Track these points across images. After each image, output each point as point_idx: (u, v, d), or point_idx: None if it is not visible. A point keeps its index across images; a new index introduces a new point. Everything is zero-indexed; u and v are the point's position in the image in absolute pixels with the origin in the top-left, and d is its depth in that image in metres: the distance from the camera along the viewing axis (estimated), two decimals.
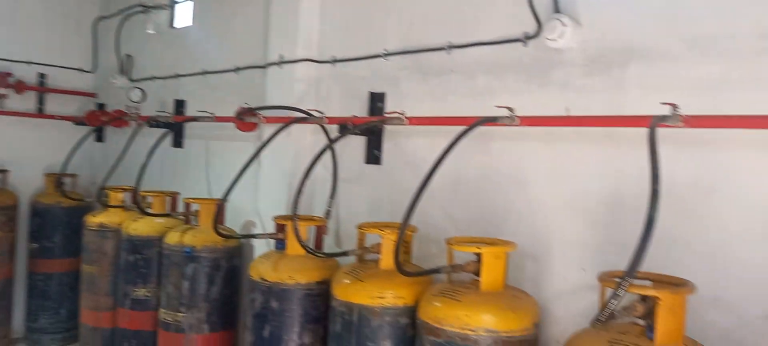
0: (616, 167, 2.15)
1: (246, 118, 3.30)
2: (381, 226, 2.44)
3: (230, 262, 3.48)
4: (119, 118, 4.64)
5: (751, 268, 1.82)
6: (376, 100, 2.96)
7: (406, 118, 2.59)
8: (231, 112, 3.59)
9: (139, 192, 3.75)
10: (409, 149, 2.88)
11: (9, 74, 5.13)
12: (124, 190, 4.29)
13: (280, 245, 2.87)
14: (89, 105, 5.65)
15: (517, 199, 2.41)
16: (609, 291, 1.70)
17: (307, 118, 3.03)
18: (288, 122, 2.93)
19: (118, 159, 4.08)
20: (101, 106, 5.52)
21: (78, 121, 5.44)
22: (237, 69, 3.92)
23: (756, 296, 1.80)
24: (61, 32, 5.52)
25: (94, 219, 4.12)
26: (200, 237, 3.39)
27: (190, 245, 3.34)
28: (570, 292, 2.18)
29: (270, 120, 3.29)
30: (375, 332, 2.20)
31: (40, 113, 5.41)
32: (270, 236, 2.91)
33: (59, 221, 5.12)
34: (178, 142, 4.48)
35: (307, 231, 2.84)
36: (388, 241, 2.38)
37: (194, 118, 3.68)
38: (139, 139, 5.03)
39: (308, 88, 3.34)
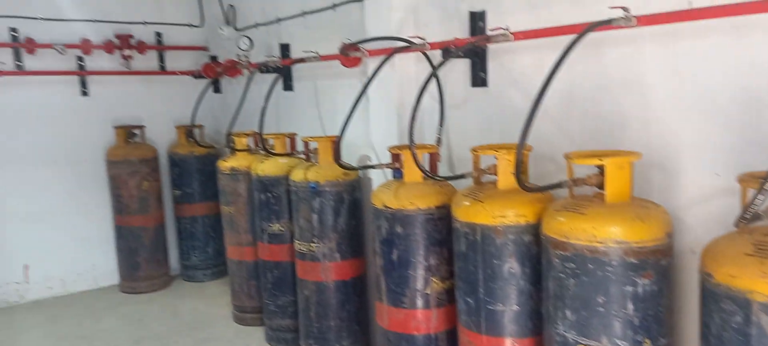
0: (748, 60, 1.99)
1: (350, 53, 3.39)
2: (495, 147, 2.48)
3: (352, 194, 3.71)
4: (232, 68, 4.94)
5: None
6: (477, 20, 2.92)
7: (511, 33, 2.54)
8: (334, 51, 3.71)
9: (262, 135, 4.03)
10: (515, 68, 2.84)
11: (130, 36, 5.59)
12: (247, 135, 4.62)
13: (398, 173, 3.01)
14: (203, 58, 6.04)
15: (637, 107, 2.32)
16: (751, 192, 1.65)
17: (409, 46, 3.06)
18: (390, 53, 2.98)
19: (239, 106, 4.38)
20: (213, 58, 5.88)
21: (196, 75, 5.86)
22: (334, 6, 3.99)
23: None
24: None
25: (226, 164, 4.52)
26: (322, 173, 3.63)
27: (314, 181, 3.59)
28: (703, 199, 2.11)
29: (373, 53, 3.36)
30: (500, 250, 2.30)
31: (163, 70, 5.88)
32: (387, 166, 3.05)
33: (194, 169, 5.67)
34: (288, 85, 4.71)
35: (421, 159, 2.94)
36: (503, 161, 2.43)
37: (301, 60, 3.84)
38: (252, 86, 5.37)
39: (406, 15, 3.34)
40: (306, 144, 3.88)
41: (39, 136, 5.32)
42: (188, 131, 5.74)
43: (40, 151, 5.34)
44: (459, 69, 3.11)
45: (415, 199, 2.79)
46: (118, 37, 5.55)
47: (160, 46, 5.82)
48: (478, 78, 2.96)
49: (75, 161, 5.50)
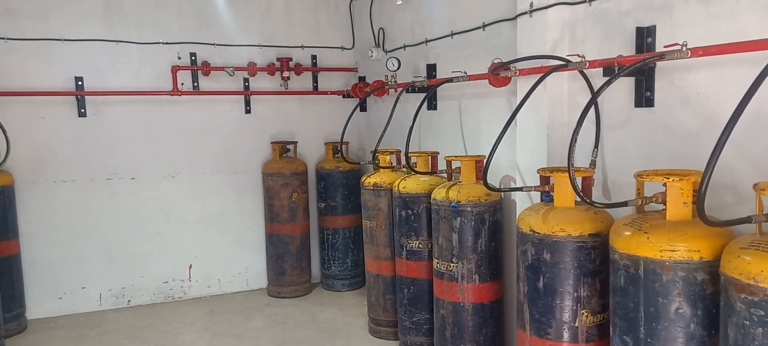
0: None
1: (501, 73, 3.32)
2: (665, 173, 2.25)
3: (493, 215, 3.61)
4: (380, 88, 5.09)
5: None
6: (645, 36, 2.70)
7: (688, 49, 2.30)
8: (480, 70, 3.67)
9: (408, 154, 4.10)
10: (687, 86, 2.56)
11: (290, 59, 6.03)
12: (390, 152, 4.73)
13: (547, 197, 2.87)
14: (352, 79, 6.34)
15: None
16: None
17: (566, 65, 2.91)
18: (548, 71, 2.85)
19: (386, 125, 4.50)
20: (362, 78, 6.13)
21: (345, 95, 6.15)
22: (483, 26, 3.95)
23: None
24: (324, 16, 6.25)
25: (369, 180, 4.66)
26: (464, 192, 3.57)
27: (455, 200, 3.55)
28: None
29: (524, 72, 3.25)
30: (666, 287, 2.07)
31: (316, 90, 6.25)
32: (536, 188, 2.92)
33: (339, 183, 5.93)
34: (432, 105, 4.75)
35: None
36: (674, 189, 2.19)
37: (448, 80, 3.85)
38: (397, 105, 5.50)
39: (562, 33, 3.20)
40: (448, 163, 3.86)
41: (209, 149, 5.92)
42: (335, 148, 6.03)
43: (210, 161, 5.94)
44: (619, 87, 2.89)
45: (566, 225, 2.63)
46: (279, 60, 6.01)
47: (315, 68, 6.20)
48: (643, 98, 2.73)
49: (237, 172, 6.03)
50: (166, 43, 5.65)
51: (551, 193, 2.83)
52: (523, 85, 3.36)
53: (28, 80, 5.21)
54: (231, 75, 5.78)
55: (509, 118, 2.88)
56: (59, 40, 5.27)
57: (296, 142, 6.05)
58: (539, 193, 2.95)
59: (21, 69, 5.19)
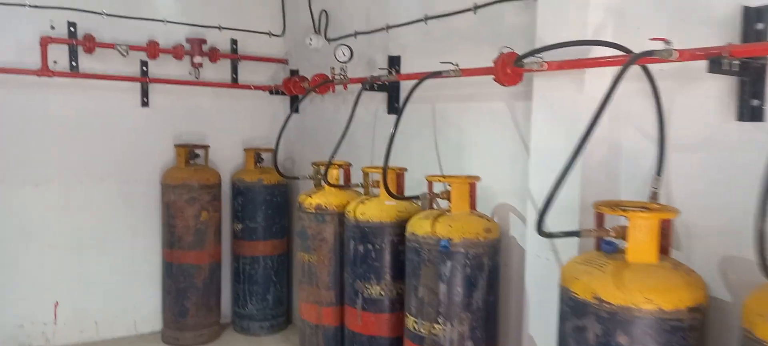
0: None
1: (524, 63, 2.39)
2: None
3: (493, 259, 2.68)
4: (323, 83, 4.02)
5: None
6: (755, 20, 1.88)
7: None
8: (467, 64, 2.76)
9: (375, 170, 3.08)
10: None
11: (203, 41, 4.79)
12: (340, 166, 3.67)
13: (608, 246, 1.96)
14: (280, 72, 5.20)
15: None
16: None
17: (649, 55, 1.98)
18: (628, 61, 1.92)
19: (345, 129, 3.43)
20: (294, 72, 5.01)
21: (273, 91, 5.01)
22: (475, 8, 3.03)
23: None
24: None
25: (311, 200, 3.56)
26: (457, 227, 2.61)
27: (446, 238, 2.57)
28: None
29: (555, 66, 2.35)
30: None
31: (235, 83, 5.04)
32: (598, 233, 2.00)
33: (261, 200, 4.76)
34: (393, 107, 3.75)
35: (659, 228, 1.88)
36: None
37: (434, 75, 2.86)
38: (328, 106, 4.45)
39: (606, 17, 2.34)
40: (429, 185, 2.88)
41: (90, 149, 4.52)
42: (258, 156, 4.87)
43: (91, 165, 4.54)
44: (700, 93, 2.07)
45: (653, 293, 1.73)
46: (189, 41, 4.75)
47: (235, 55, 5.00)
48: (747, 108, 1.91)
49: (127, 180, 4.67)
50: (34, 7, 4.22)
51: (616, 241, 1.93)
52: (545, 84, 2.47)
53: None
54: (124, 55, 4.44)
55: (587, 128, 1.91)
56: None
57: (208, 146, 4.81)
58: (595, 239, 2.04)
59: None
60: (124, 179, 4.66)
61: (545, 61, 2.33)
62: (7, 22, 4.14)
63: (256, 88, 5.06)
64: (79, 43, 4.34)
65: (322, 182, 3.63)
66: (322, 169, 3.66)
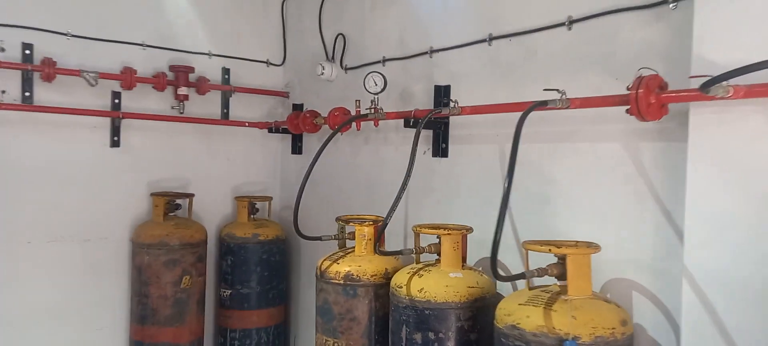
0: None
1: (709, 90, 1.66)
2: None
3: None
4: (356, 119, 3.18)
5: None
6: None
7: None
8: (552, 94, 2.07)
9: (431, 231, 2.30)
10: None
11: (190, 69, 3.97)
12: (374, 221, 2.86)
13: None
14: (278, 107, 4.42)
15: None
16: None
17: None
18: None
19: (407, 176, 2.55)
20: (297, 106, 4.23)
21: (273, 129, 4.21)
22: (571, 22, 2.35)
23: None
24: (243, 18, 4.32)
25: (338, 267, 2.73)
26: (584, 318, 1.84)
27: (572, 336, 1.79)
28: None
29: (739, 94, 1.64)
30: None
31: (226, 119, 4.21)
32: None
33: (257, 260, 3.90)
34: (440, 149, 3.00)
35: None
36: None
37: (539, 105, 2.08)
38: (352, 148, 3.69)
39: None
40: (525, 254, 2.11)
41: (45, 201, 3.57)
42: (252, 206, 4.02)
43: (45, 221, 3.57)
44: None
45: None
46: (173, 69, 3.93)
47: (227, 86, 4.19)
48: None
49: (90, 239, 3.72)
50: None
51: None
52: (711, 118, 1.77)
53: None
54: (92, 84, 3.57)
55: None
56: None
57: (192, 195, 3.94)
58: None
59: None
60: (87, 237, 3.71)
61: (732, 86, 1.63)
62: None
63: (251, 125, 4.25)
64: (35, 68, 3.45)
65: (362, 247, 2.81)
66: (351, 226, 2.85)
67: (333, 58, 3.81)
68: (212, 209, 4.12)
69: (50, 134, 3.60)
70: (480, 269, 2.50)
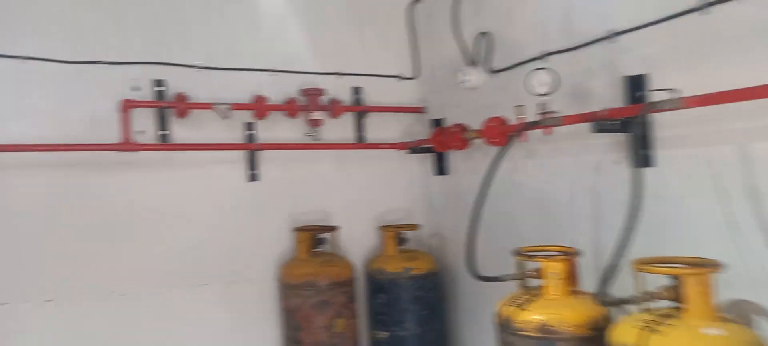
0: None
1: None
2: None
3: None
4: (529, 127, 2.68)
5: None
6: None
7: None
8: None
9: (662, 270, 1.71)
10: None
11: (321, 92, 3.67)
12: (562, 253, 2.29)
13: None
14: (415, 124, 4.00)
15: None
16: None
17: None
18: None
19: (636, 204, 2.01)
20: (436, 121, 3.78)
21: (416, 148, 3.79)
22: None
23: None
24: (369, 30, 3.97)
25: (528, 315, 2.20)
26: None
27: None
28: None
29: None
30: None
31: (361, 143, 3.87)
32: None
33: (410, 297, 3.49)
34: (641, 157, 2.38)
35: None
36: None
37: None
38: (512, 164, 3.13)
39: None
40: None
41: (184, 244, 3.40)
42: (399, 236, 3.61)
43: (185, 266, 3.41)
44: None
45: None
46: (305, 93, 3.65)
47: (360, 107, 3.85)
48: None
49: (234, 281, 3.51)
50: (113, 64, 3.26)
51: None
52: None
53: None
54: (224, 117, 3.38)
55: None
56: None
57: (336, 228, 3.61)
58: None
59: None
60: (230, 279, 3.51)
61: None
62: (80, 85, 3.18)
63: (390, 146, 3.86)
64: (170, 105, 3.32)
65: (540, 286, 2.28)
66: (535, 261, 2.31)
67: (476, 61, 3.32)
68: (355, 241, 3.77)
69: (186, 172, 3.44)
70: (740, 318, 1.86)
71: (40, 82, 3.09)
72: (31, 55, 3.07)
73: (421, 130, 3.92)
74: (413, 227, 3.70)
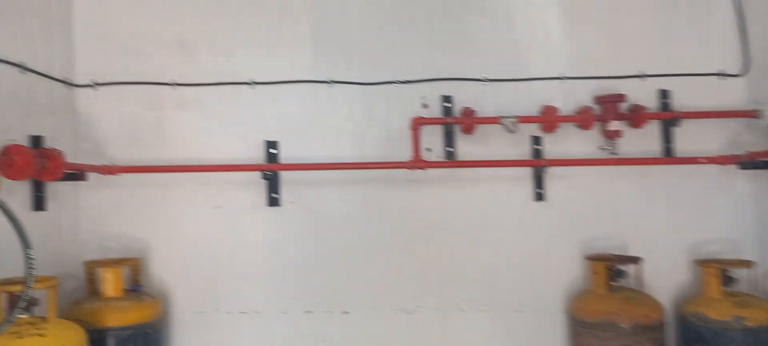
0: None
1: None
2: None
3: None
4: None
5: None
6: None
7: None
8: None
9: None
10: None
11: (620, 98, 3.16)
12: None
13: None
14: (743, 133, 3.19)
15: None
16: None
17: None
18: None
19: None
20: None
21: (745, 163, 3.02)
22: None
23: None
24: (680, 18, 3.32)
25: None
26: None
27: None
28: None
29: None
30: None
31: (668, 157, 3.23)
32: None
33: None
34: None
35: None
36: None
37: None
38: None
39: None
40: None
41: (467, 265, 3.28)
42: (725, 275, 2.88)
43: (468, 288, 3.28)
44: None
45: None
46: (599, 101, 3.20)
47: (669, 113, 3.22)
48: None
49: (519, 309, 3.27)
50: (403, 83, 3.29)
51: None
52: None
53: (190, 148, 3.28)
54: (512, 130, 3.13)
55: None
56: (247, 83, 3.29)
57: (640, 259, 3.06)
58: None
59: (186, 129, 3.30)
60: (515, 307, 3.26)
61: None
62: (375, 106, 3.29)
63: (709, 160, 3.14)
64: (456, 121, 3.22)
65: None
66: None
67: None
68: (661, 276, 3.17)
69: (470, 189, 3.31)
70: None
71: (343, 104, 3.29)
72: (337, 79, 3.28)
73: (753, 140, 3.11)
74: (745, 263, 2.92)
